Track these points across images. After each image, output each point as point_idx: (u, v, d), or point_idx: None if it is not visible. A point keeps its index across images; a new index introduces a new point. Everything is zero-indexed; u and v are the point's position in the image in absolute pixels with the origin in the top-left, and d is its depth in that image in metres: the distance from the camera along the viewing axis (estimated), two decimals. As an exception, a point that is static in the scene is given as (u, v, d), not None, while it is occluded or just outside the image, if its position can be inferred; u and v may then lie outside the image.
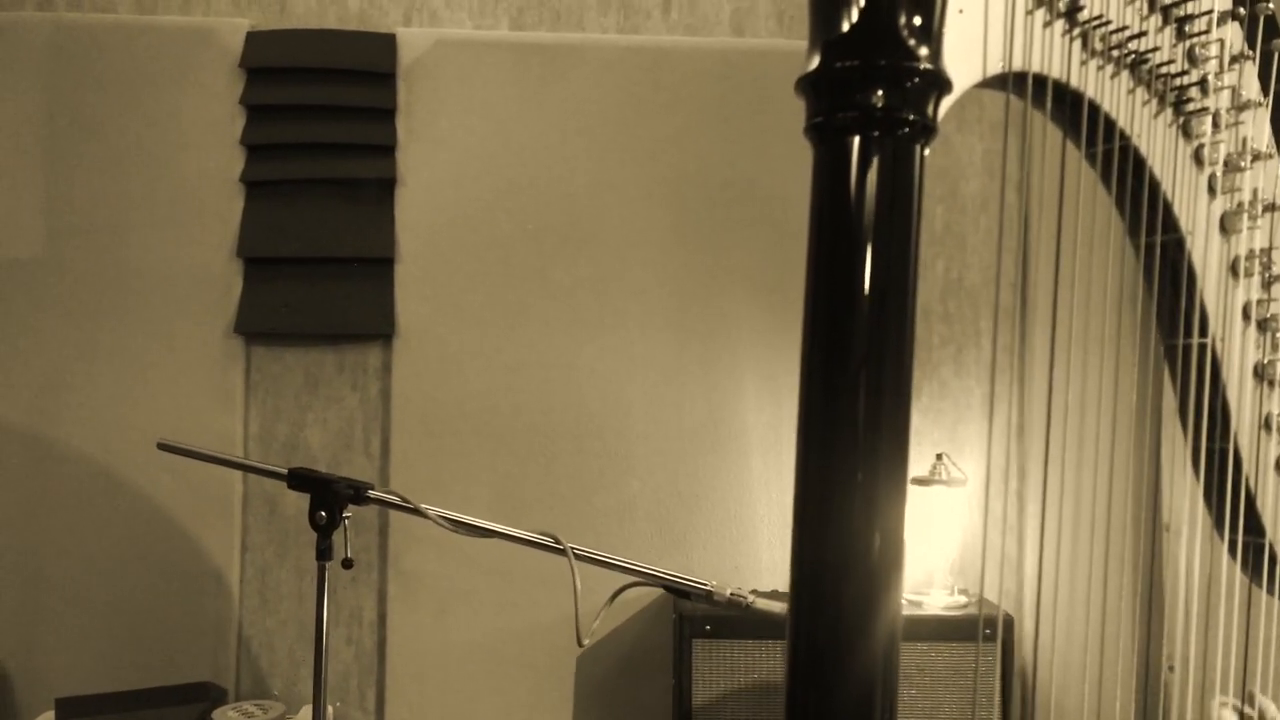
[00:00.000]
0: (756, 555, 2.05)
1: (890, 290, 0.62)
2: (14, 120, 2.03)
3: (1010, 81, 0.68)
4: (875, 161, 0.62)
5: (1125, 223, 0.78)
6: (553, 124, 2.07)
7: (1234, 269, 0.78)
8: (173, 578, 2.01)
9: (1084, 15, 0.69)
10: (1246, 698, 1.02)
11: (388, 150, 2.06)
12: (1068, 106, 0.71)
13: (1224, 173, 0.77)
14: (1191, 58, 0.75)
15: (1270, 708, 1.03)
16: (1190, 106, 0.75)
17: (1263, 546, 0.82)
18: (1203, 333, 0.78)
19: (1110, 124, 0.72)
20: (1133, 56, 0.71)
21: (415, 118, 2.06)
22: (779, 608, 1.11)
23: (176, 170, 2.04)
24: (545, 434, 2.07)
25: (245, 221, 2.05)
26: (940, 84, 0.62)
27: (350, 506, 1.14)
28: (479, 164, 2.07)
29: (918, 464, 1.92)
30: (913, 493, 1.94)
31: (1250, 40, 0.79)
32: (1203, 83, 0.75)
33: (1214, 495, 0.81)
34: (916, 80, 0.62)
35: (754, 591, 1.16)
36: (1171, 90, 0.74)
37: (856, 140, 0.62)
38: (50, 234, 2.03)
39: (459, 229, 2.06)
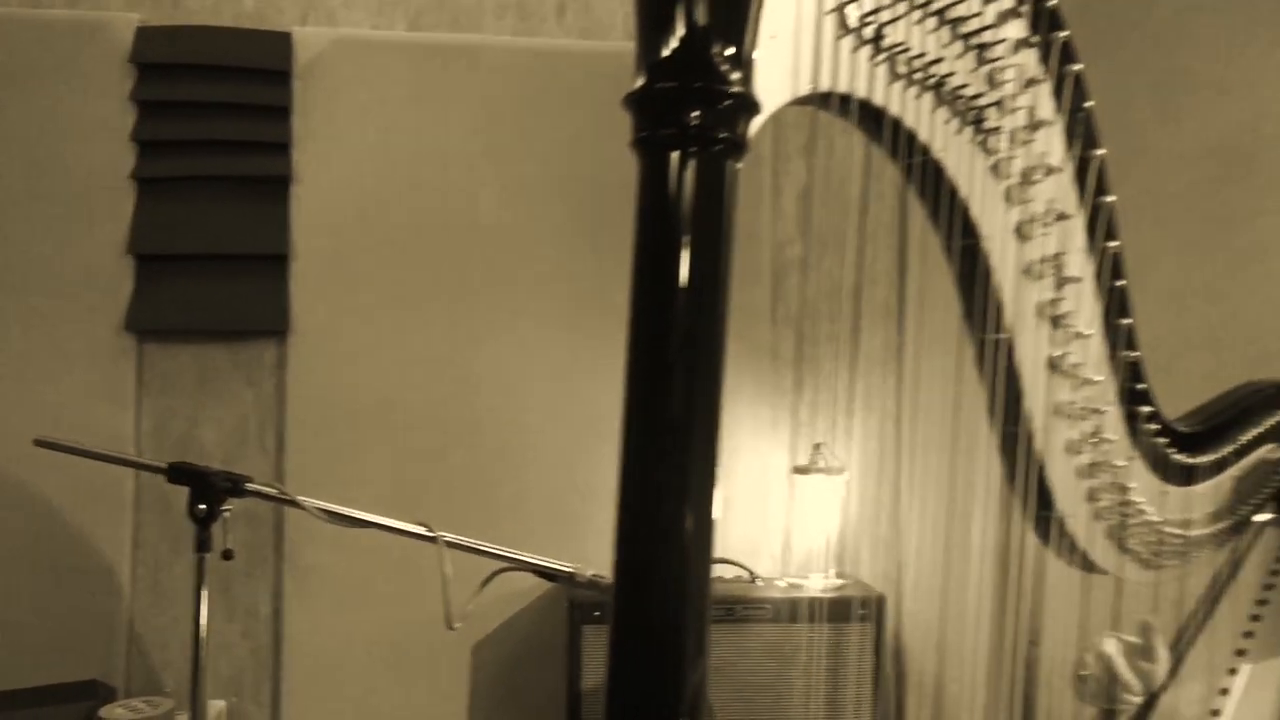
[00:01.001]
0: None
1: (704, 289, 0.68)
2: (-109, 113, 1.98)
3: (824, 100, 0.75)
4: (691, 174, 0.68)
5: (936, 228, 0.86)
6: (451, 124, 2.11)
7: (1029, 271, 0.87)
8: (62, 576, 1.99)
9: (887, 42, 0.76)
10: (1141, 629, 1.12)
11: (283, 148, 2.07)
12: (875, 124, 0.78)
13: (1020, 185, 0.86)
14: (990, 81, 0.83)
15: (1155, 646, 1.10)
16: (988, 124, 0.83)
17: (1049, 519, 0.91)
18: (1003, 329, 0.87)
19: (916, 140, 0.80)
20: (934, 79, 0.79)
21: (312, 116, 2.07)
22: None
23: (64, 166, 2.02)
24: (442, 429, 2.11)
25: (137, 218, 2.04)
26: (750, 106, 0.69)
27: (232, 500, 1.17)
28: (376, 162, 2.09)
29: (799, 454, 2.02)
30: (793, 481, 2.04)
31: (1046, 64, 0.88)
32: (1000, 103, 0.84)
33: (1014, 476, 0.90)
34: (728, 102, 0.68)
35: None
36: (971, 110, 0.82)
37: (675, 155, 0.68)
38: (-70, 229, 1.99)
39: (355, 226, 2.09)
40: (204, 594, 1.20)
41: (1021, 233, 0.87)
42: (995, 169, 0.85)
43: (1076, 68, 0.88)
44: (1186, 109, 2.00)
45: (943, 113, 0.81)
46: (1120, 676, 1.00)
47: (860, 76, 0.76)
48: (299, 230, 2.06)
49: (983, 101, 0.83)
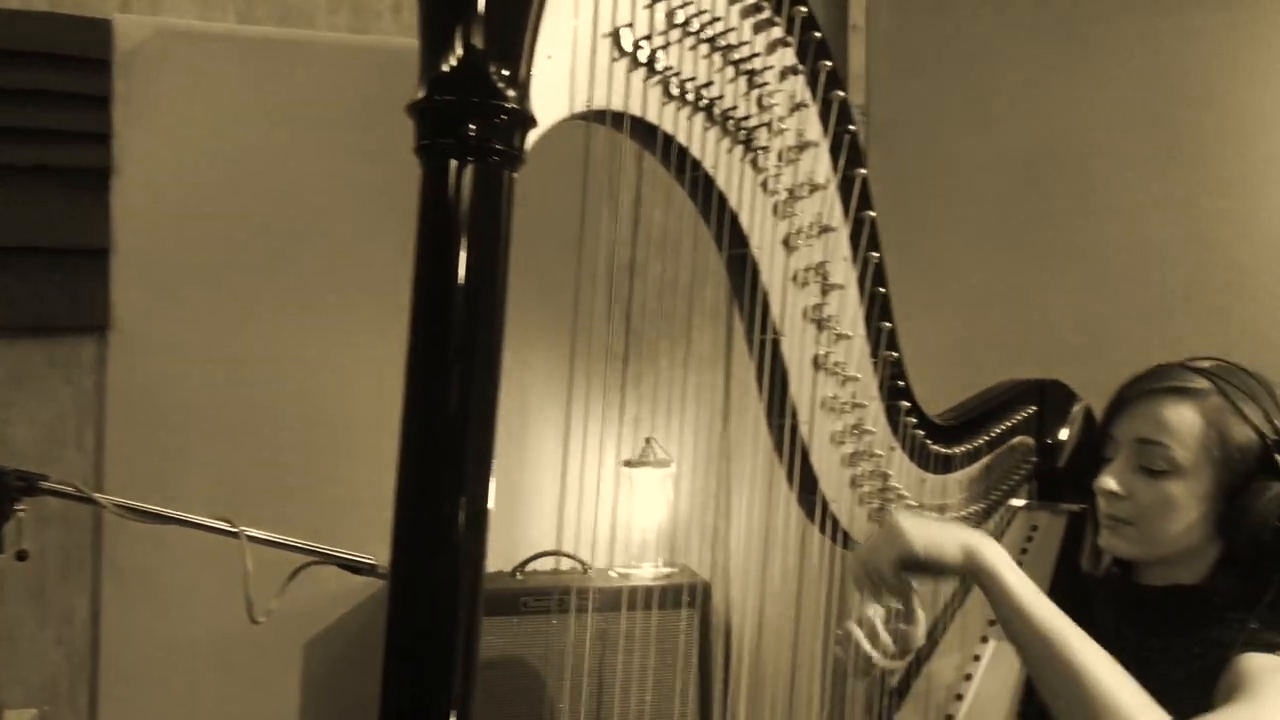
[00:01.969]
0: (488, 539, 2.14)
1: (481, 291, 0.73)
2: None
3: (600, 118, 0.81)
4: (469, 182, 0.73)
5: (712, 237, 0.94)
6: (282, 119, 2.08)
7: (795, 279, 0.96)
8: None
9: (660, 65, 0.83)
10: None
11: (103, 139, 2.00)
12: (651, 139, 0.85)
13: (787, 200, 0.94)
14: (759, 104, 0.91)
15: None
16: (758, 144, 0.92)
17: (814, 502, 1.01)
18: (774, 330, 0.95)
19: (690, 156, 0.87)
20: (705, 101, 0.87)
21: (134, 106, 2.01)
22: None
23: None
24: (273, 427, 2.08)
25: (-58, 209, 1.94)
26: (525, 121, 0.74)
27: (27, 500, 1.14)
28: (204, 156, 2.05)
29: (630, 448, 2.09)
30: (624, 474, 2.11)
31: (814, 90, 0.96)
32: (769, 125, 0.92)
33: (787, 464, 0.99)
34: (504, 117, 0.73)
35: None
36: (741, 130, 0.90)
37: (454, 164, 0.73)
38: None
39: (182, 221, 2.04)
40: (-1, 595, 1.16)
41: (789, 243, 0.95)
42: (764, 185, 0.93)
43: (840, 94, 0.97)
44: (994, 121, 2.18)
45: (714, 132, 0.89)
46: (879, 638, 1.10)
47: (634, 96, 0.82)
48: (120, 224, 2.00)
49: (752, 123, 0.91)
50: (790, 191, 0.95)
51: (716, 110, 0.88)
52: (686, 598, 2.03)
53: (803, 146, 0.95)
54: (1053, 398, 1.28)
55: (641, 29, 0.82)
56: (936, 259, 2.15)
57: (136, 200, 2.02)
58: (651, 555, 2.11)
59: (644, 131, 0.85)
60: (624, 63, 0.82)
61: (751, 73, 0.91)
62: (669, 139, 0.86)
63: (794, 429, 0.96)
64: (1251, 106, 1.77)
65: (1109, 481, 1.11)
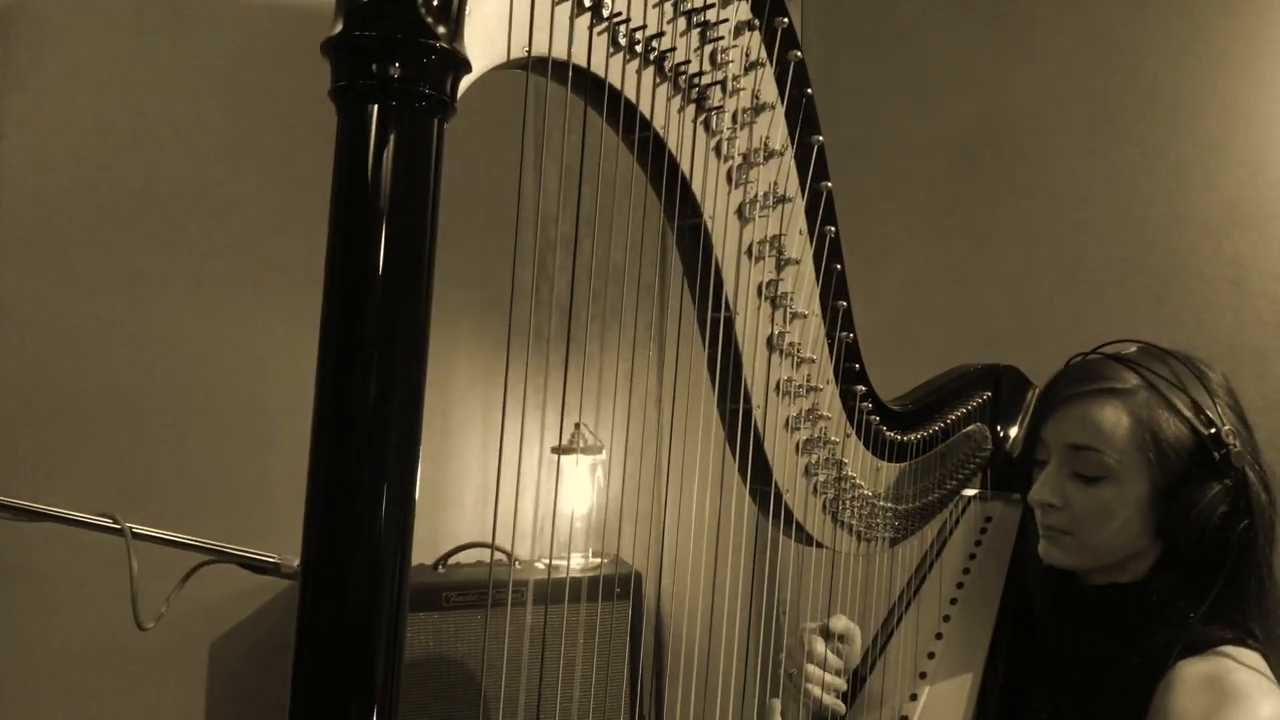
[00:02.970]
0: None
1: (405, 259, 0.64)
2: None
3: (541, 66, 0.73)
4: (393, 131, 0.64)
5: (661, 205, 0.86)
6: (182, 81, 1.94)
7: (749, 252, 0.89)
8: None
9: (607, 11, 0.75)
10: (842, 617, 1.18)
11: (-18, 99, 1.83)
12: (598, 95, 0.77)
13: (741, 166, 0.87)
14: (713, 60, 0.84)
15: (843, 622, 1.18)
16: (710, 104, 0.84)
17: (769, 493, 0.94)
18: (727, 308, 0.88)
19: (638, 114, 0.79)
20: (656, 53, 0.79)
21: (16, 66, 1.84)
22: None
23: None
24: (177, 413, 1.94)
25: None
26: (457, 63, 0.65)
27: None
28: (96, 120, 1.89)
29: (558, 433, 2.00)
30: (551, 461, 2.03)
31: (770, 49, 0.89)
32: (723, 84, 0.84)
33: (736, 450, 0.92)
34: (433, 57, 0.64)
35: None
36: (694, 88, 0.82)
37: (375, 109, 0.63)
38: None
39: (72, 190, 1.88)
40: None
41: (743, 214, 0.88)
42: (718, 149, 0.86)
43: (798, 54, 0.90)
44: (929, 100, 2.14)
45: (665, 89, 0.81)
46: (829, 680, 1.06)
47: (579, 44, 0.74)
48: (3, 195, 1.84)
49: (705, 80, 0.84)
50: (744, 157, 0.87)
51: (668, 64, 0.80)
52: (618, 589, 1.96)
53: (759, 109, 0.88)
54: (1008, 383, 1.24)
55: (587, -32, 0.73)
56: (871, 240, 2.11)
57: (21, 168, 1.85)
58: (581, 545, 2.04)
59: (588, 85, 0.77)
60: (567, 5, 0.73)
61: (705, 24, 0.83)
62: (616, 94, 0.77)
63: (747, 414, 0.89)
64: (1186, 86, 1.76)
65: (1045, 493, 1.06)
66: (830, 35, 2.28)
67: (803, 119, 0.92)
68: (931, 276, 2.10)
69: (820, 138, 0.93)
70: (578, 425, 1.98)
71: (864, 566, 1.13)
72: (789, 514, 0.97)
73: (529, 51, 0.71)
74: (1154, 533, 1.04)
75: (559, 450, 1.97)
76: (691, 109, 0.83)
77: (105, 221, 1.90)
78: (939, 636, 1.17)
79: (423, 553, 2.03)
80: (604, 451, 2.01)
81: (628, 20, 0.76)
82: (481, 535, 2.15)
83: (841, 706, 1.11)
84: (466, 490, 2.23)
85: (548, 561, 2.01)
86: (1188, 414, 1.02)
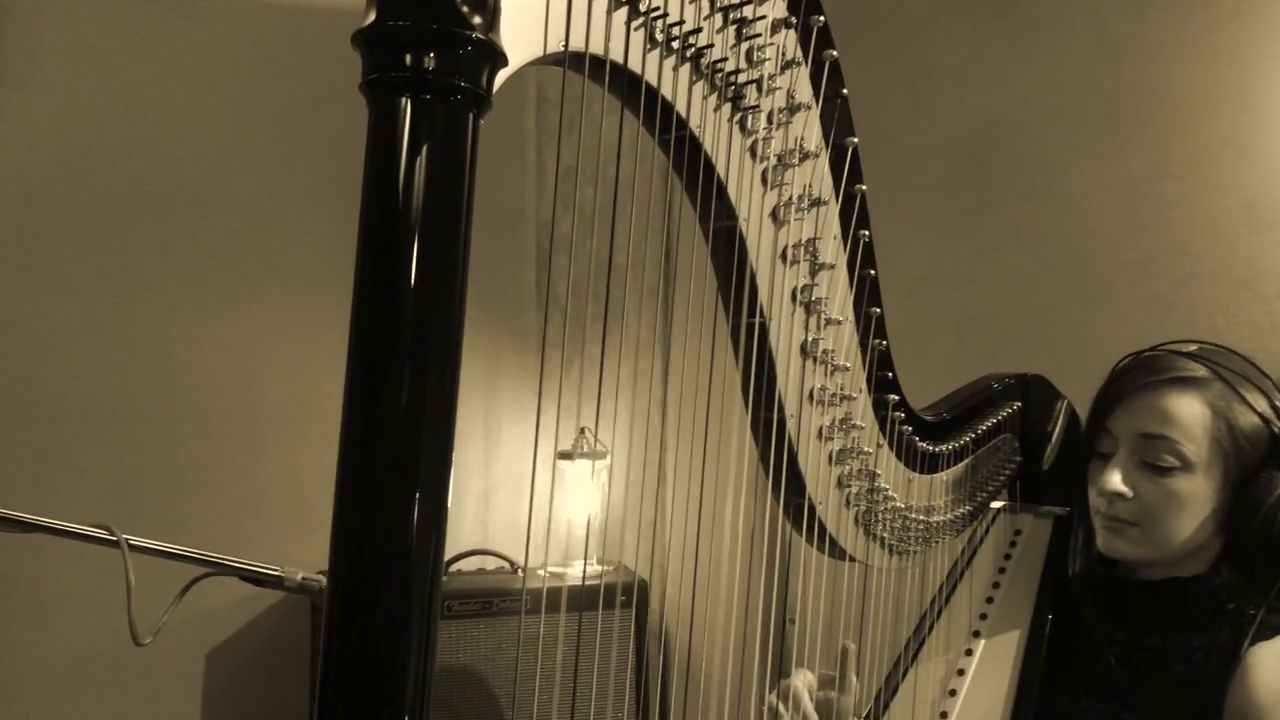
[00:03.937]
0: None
1: (440, 255, 0.61)
2: None
3: (576, 62, 0.69)
4: (426, 124, 0.60)
5: (695, 208, 0.83)
6: (177, 78, 1.89)
7: (784, 256, 0.86)
8: None
9: (644, 5, 0.71)
10: (841, 655, 1.14)
11: (-28, 95, 1.78)
12: (633, 92, 0.74)
13: (776, 168, 0.84)
14: (749, 58, 0.81)
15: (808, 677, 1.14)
16: (746, 103, 0.81)
17: (803, 505, 0.91)
18: (761, 314, 0.85)
19: (674, 112, 0.76)
20: (692, 50, 0.76)
21: (8, 61, 1.80)
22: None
23: None
24: (168, 418, 1.90)
25: None
26: (493, 55, 0.62)
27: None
28: (89, 117, 1.85)
29: (564, 439, 1.97)
30: (557, 467, 1.99)
31: (805, 48, 0.86)
32: (759, 82, 0.81)
33: (769, 461, 0.88)
34: (469, 48, 0.61)
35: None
36: (729, 86, 0.79)
37: (407, 102, 0.60)
38: None
39: (64, 188, 1.84)
40: None
41: (777, 216, 0.85)
42: (753, 150, 0.83)
43: (833, 54, 0.87)
44: (935, 102, 2.11)
45: (701, 87, 0.78)
46: (806, 715, 1.03)
47: (616, 39, 0.70)
48: (-5, 192, 1.79)
49: (741, 79, 0.81)
50: (779, 158, 0.84)
51: (704, 62, 0.77)
52: (622, 597, 1.92)
53: (794, 109, 0.85)
54: (1037, 394, 1.21)
55: (623, -40, 0.70)
56: (879, 243, 2.08)
57: (11, 165, 1.81)
58: (585, 553, 2.00)
59: (625, 81, 0.73)
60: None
61: (741, 21, 0.80)
62: (653, 92, 0.74)
63: (780, 423, 0.86)
64: (1197, 87, 1.74)
65: (1114, 481, 1.04)
66: (836, 37, 2.26)
67: (838, 120, 0.89)
68: (939, 280, 2.08)
69: (855, 139, 0.90)
70: (582, 430, 1.94)
71: (893, 580, 1.10)
72: (822, 527, 0.94)
73: (565, 46, 0.68)
74: (1218, 526, 1.03)
75: (563, 455, 1.94)
76: (727, 108, 0.80)
77: (98, 221, 1.85)
78: (969, 653, 1.14)
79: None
80: (608, 457, 1.97)
81: (665, 15, 0.73)
82: (483, 542, 2.11)
83: None
84: (470, 496, 2.19)
85: (552, 569, 1.98)
86: (1261, 407, 1.01)
